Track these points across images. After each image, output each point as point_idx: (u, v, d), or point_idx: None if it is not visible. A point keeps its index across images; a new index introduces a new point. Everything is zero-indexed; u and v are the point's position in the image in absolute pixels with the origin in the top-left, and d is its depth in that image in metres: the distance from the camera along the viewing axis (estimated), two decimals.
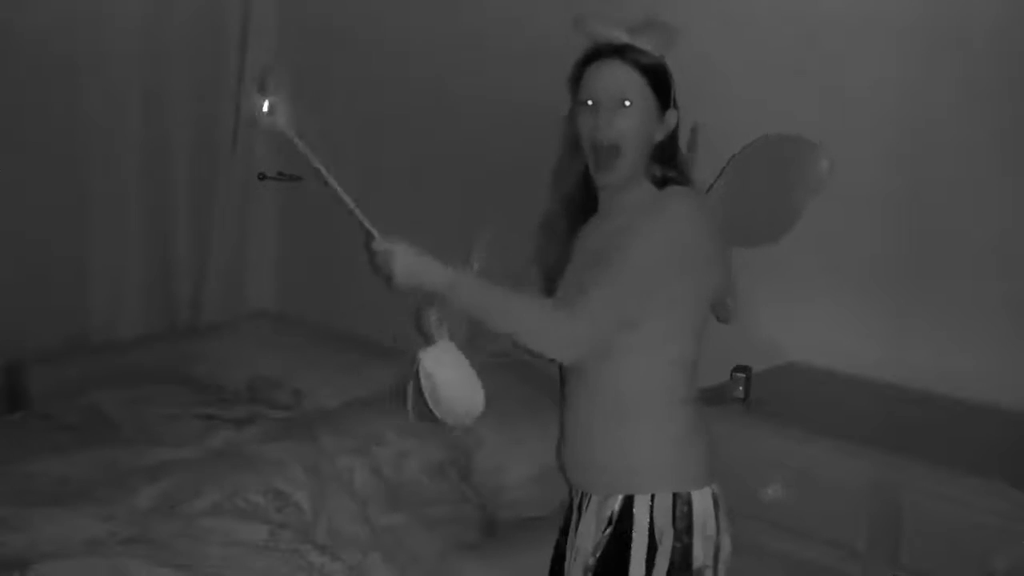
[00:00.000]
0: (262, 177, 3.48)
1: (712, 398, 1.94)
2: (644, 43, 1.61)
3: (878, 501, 1.76)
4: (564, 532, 1.78)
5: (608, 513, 1.62)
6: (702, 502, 1.61)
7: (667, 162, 1.66)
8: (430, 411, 1.65)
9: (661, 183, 1.65)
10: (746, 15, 2.28)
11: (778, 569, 1.82)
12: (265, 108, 1.52)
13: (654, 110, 1.62)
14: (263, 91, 1.54)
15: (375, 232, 1.56)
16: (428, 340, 1.65)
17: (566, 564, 1.72)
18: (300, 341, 3.18)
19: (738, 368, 2.02)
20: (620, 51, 1.61)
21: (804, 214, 1.95)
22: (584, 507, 1.69)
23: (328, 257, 3.39)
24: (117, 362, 3.12)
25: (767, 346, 2.24)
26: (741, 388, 2.02)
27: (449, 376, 1.64)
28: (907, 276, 2.13)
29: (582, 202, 1.72)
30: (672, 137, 1.67)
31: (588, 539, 1.66)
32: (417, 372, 1.65)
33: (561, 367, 1.71)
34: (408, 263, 1.54)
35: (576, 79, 1.65)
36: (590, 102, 1.61)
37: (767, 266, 2.13)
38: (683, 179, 1.67)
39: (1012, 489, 1.63)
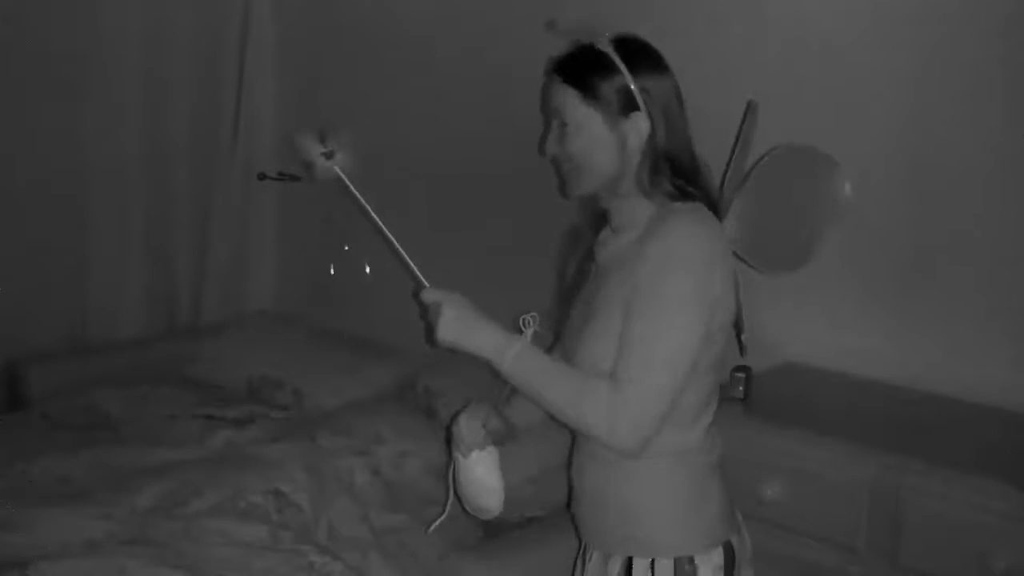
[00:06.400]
0: (262, 177, 3.48)
1: None
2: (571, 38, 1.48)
3: (878, 501, 1.76)
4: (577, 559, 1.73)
5: (610, 573, 1.56)
6: (708, 564, 1.50)
7: (659, 177, 1.47)
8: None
9: (675, 196, 1.47)
10: (742, 18, 2.28)
11: (778, 569, 1.82)
12: (323, 152, 1.48)
13: (599, 123, 1.45)
14: (323, 139, 1.49)
15: (424, 282, 1.47)
16: (466, 444, 1.57)
17: None
18: (300, 341, 3.18)
19: (738, 368, 2.02)
20: (555, 63, 1.48)
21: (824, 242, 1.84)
22: (588, 557, 1.64)
23: (328, 257, 3.39)
24: (117, 362, 3.12)
25: (767, 346, 2.24)
26: (741, 388, 2.02)
27: (473, 482, 1.58)
28: (907, 276, 2.13)
29: (595, 213, 1.60)
30: (674, 142, 1.47)
31: None
32: (453, 466, 1.62)
33: None
34: (456, 317, 1.43)
35: None
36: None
37: None
38: (686, 190, 1.48)
39: (1012, 489, 1.63)
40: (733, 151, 1.92)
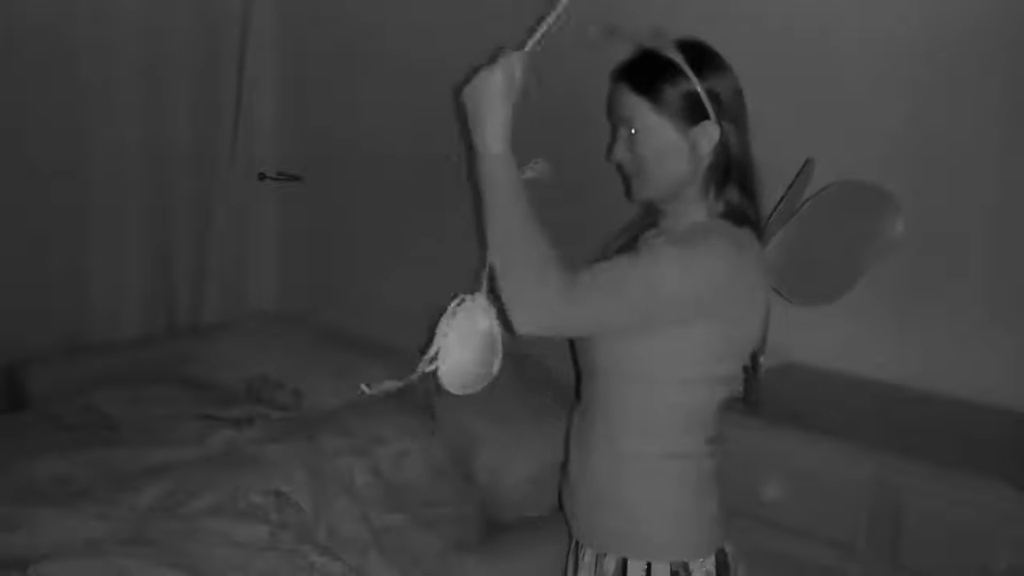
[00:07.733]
0: (262, 177, 3.48)
1: None
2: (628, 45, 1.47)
3: (878, 501, 1.76)
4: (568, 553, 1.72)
5: (604, 571, 1.56)
6: (701, 571, 1.52)
7: (727, 184, 1.47)
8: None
9: (724, 213, 1.48)
10: (741, 23, 2.28)
11: (778, 569, 1.82)
12: None
13: (670, 130, 1.44)
14: None
15: (532, 44, 1.35)
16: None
17: None
18: (300, 341, 3.18)
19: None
20: (622, 70, 1.47)
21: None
22: (580, 555, 1.63)
23: (328, 257, 3.39)
24: (117, 362, 3.12)
25: (767, 346, 2.24)
26: (741, 388, 2.02)
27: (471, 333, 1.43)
28: (907, 276, 2.13)
29: (650, 213, 1.61)
30: (730, 154, 1.46)
31: None
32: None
33: (571, 412, 1.66)
34: (492, 88, 1.30)
35: None
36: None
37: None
38: (746, 210, 1.48)
39: (1012, 489, 1.63)
40: (781, 199, 1.93)
